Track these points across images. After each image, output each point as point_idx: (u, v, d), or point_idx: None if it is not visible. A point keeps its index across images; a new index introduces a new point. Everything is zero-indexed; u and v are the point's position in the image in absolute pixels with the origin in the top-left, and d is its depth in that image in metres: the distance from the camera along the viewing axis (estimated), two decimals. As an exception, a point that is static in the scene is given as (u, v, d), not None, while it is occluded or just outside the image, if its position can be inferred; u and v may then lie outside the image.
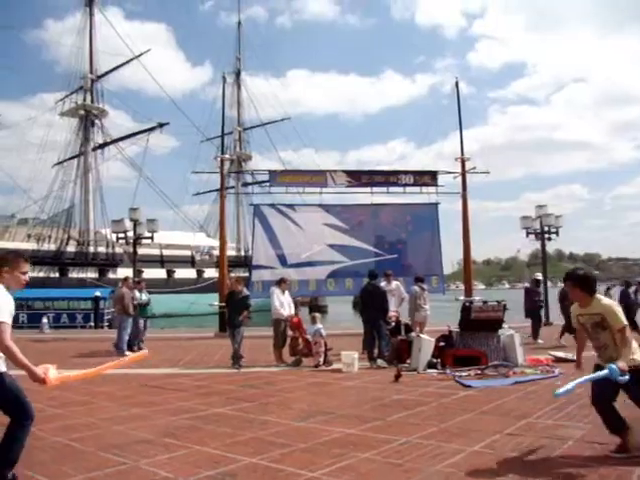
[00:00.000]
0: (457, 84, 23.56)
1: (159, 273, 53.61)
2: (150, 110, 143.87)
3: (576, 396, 7.34)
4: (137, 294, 15.14)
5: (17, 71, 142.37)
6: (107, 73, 59.69)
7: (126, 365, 4.18)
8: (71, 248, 53.78)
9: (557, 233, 23.57)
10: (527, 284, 25.14)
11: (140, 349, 14.10)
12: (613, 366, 4.49)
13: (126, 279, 15.39)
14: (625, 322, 4.78)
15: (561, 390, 4.54)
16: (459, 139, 22.77)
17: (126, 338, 14.15)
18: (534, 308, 15.33)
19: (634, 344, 4.72)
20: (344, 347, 11.50)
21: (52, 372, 3.74)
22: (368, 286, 12.01)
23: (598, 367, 4.88)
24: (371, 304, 11.59)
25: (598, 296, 4.97)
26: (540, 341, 14.50)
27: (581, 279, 4.97)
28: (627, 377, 4.46)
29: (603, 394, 4.79)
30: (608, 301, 5.00)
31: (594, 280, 5.05)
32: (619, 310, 4.88)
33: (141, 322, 15.18)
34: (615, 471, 4.38)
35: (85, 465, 4.83)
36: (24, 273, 4.23)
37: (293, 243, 20.18)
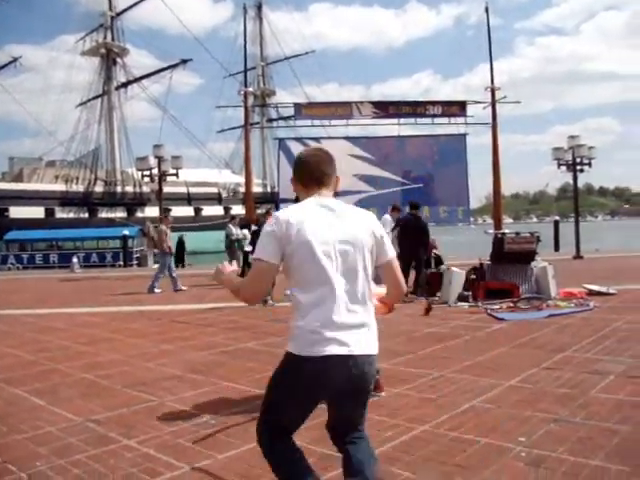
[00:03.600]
0: (487, 9, 22.69)
1: (187, 211, 53.87)
2: (173, 49, 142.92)
3: (613, 330, 7.17)
4: (233, 229, 15.73)
5: (38, 13, 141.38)
6: (126, 10, 58.88)
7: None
8: (99, 188, 54.23)
9: (590, 164, 22.72)
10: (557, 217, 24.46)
11: None
12: None
13: (166, 216, 15.60)
14: None
15: None
16: (487, 70, 22.21)
17: (161, 276, 14.22)
18: None
19: None
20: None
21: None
22: (408, 216, 11.66)
23: None
24: (412, 235, 11.26)
25: None
26: None
27: None
28: None
29: None
30: None
31: None
32: None
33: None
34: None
35: (112, 402, 4.77)
36: None
37: None
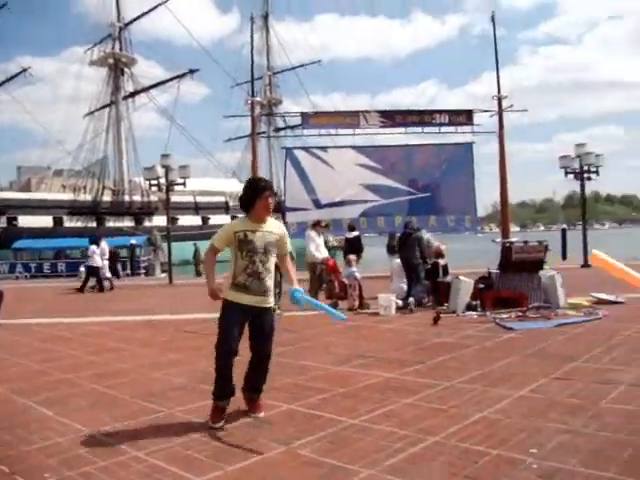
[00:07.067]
0: (493, 18, 22.75)
1: (194, 220, 54.17)
2: (181, 59, 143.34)
3: (623, 339, 7.14)
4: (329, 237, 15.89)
5: (49, 26, 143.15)
6: (134, 20, 59.44)
7: None
8: (107, 198, 54.60)
9: (597, 172, 22.52)
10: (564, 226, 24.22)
11: None
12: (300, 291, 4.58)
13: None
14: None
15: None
16: (492, 78, 22.35)
17: None
18: None
19: None
20: (380, 290, 11.33)
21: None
22: (405, 231, 11.76)
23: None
24: (404, 250, 11.45)
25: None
26: None
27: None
28: None
29: None
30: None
31: None
32: None
33: None
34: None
35: (121, 412, 4.75)
36: None
37: (326, 185, 19.95)
